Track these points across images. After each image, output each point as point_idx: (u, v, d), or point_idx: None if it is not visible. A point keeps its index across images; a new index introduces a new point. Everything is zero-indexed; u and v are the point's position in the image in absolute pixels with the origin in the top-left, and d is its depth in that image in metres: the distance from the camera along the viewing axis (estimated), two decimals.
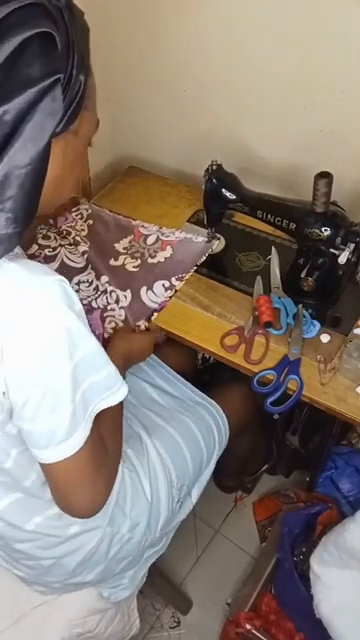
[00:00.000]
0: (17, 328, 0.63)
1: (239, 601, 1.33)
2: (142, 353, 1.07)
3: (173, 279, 1.20)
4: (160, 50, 1.32)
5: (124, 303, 1.17)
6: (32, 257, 1.25)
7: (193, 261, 1.23)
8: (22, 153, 0.58)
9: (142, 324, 1.14)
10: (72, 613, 0.99)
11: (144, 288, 1.19)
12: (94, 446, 0.73)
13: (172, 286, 1.19)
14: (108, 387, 0.73)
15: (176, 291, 1.19)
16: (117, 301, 1.18)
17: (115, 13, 1.30)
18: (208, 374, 1.48)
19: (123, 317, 1.15)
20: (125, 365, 1.00)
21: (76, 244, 1.30)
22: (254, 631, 1.24)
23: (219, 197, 1.15)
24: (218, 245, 1.27)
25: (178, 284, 1.19)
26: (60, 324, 0.65)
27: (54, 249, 1.28)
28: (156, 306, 1.16)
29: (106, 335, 1.13)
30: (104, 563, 0.94)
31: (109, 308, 1.17)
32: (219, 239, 1.27)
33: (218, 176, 1.14)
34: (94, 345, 0.70)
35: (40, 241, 1.30)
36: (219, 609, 1.43)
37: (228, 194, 1.14)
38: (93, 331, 1.09)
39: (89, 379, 0.70)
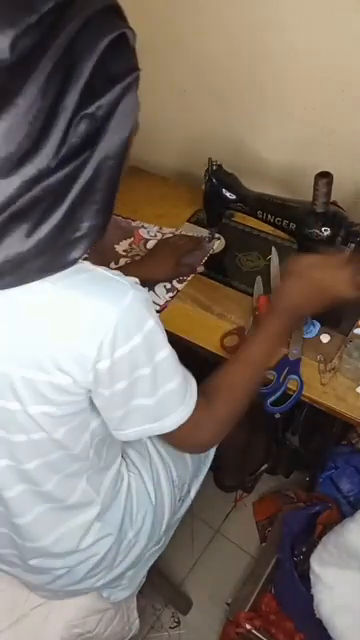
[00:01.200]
0: (106, 332, 0.64)
1: (239, 601, 1.33)
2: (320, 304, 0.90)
3: (174, 281, 1.20)
4: (160, 50, 1.32)
5: None
6: None
7: (194, 262, 1.23)
8: (111, 144, 0.60)
9: None
10: (72, 613, 0.99)
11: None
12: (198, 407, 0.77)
13: (173, 288, 1.19)
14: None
15: (177, 291, 1.19)
16: None
17: None
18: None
19: None
20: (292, 321, 0.92)
21: None
22: (254, 631, 1.24)
23: (219, 197, 1.15)
24: (218, 245, 1.27)
25: (180, 286, 1.20)
26: (141, 328, 0.67)
27: None
28: (157, 307, 1.16)
29: None
30: (111, 569, 0.95)
31: None
32: (219, 239, 1.27)
33: (218, 176, 1.14)
34: (169, 351, 0.72)
35: None
36: (219, 609, 1.43)
37: (228, 194, 1.14)
38: None
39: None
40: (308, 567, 1.12)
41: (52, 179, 0.56)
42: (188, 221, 1.35)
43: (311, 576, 1.11)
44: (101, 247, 1.26)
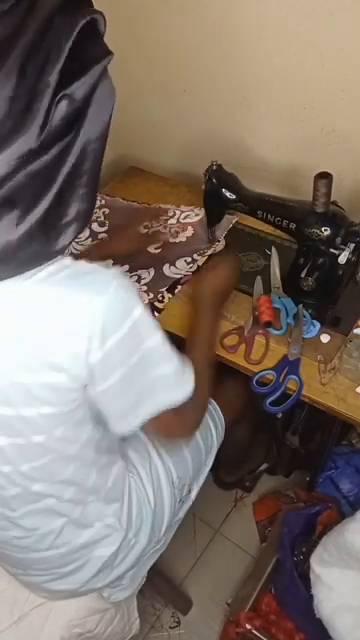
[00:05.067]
0: (97, 321, 0.64)
1: (239, 601, 1.33)
2: (229, 281, 1.10)
3: (195, 255, 1.24)
4: (160, 50, 1.32)
5: (147, 279, 1.21)
6: None
7: (215, 236, 1.27)
8: (93, 127, 0.62)
9: (164, 293, 1.18)
10: (72, 613, 0.99)
11: (167, 265, 1.23)
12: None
13: (194, 260, 1.23)
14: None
15: (198, 266, 1.22)
16: (139, 280, 1.21)
17: (115, 13, 1.30)
18: None
19: (145, 289, 1.19)
20: (217, 304, 1.06)
21: (92, 232, 1.34)
22: (254, 631, 1.24)
23: (219, 197, 1.15)
24: (218, 245, 1.27)
25: (200, 259, 1.23)
26: (134, 309, 0.67)
27: None
28: (178, 277, 1.20)
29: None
30: (111, 569, 0.95)
31: None
32: (219, 241, 1.28)
33: (218, 176, 1.14)
34: (160, 336, 0.72)
35: None
36: (219, 609, 1.43)
37: (228, 194, 1.14)
38: None
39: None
40: (308, 567, 1.12)
41: (38, 163, 0.57)
42: None
43: (311, 576, 1.11)
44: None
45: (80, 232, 0.65)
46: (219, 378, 1.24)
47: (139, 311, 0.68)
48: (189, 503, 1.09)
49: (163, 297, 1.17)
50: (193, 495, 1.10)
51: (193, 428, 0.91)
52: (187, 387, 0.77)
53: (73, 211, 0.62)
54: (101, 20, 0.62)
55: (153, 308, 1.15)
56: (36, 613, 0.98)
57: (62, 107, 0.58)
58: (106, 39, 0.66)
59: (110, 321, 0.65)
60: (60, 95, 0.57)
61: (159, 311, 1.15)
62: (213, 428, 1.11)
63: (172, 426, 0.83)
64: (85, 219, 0.64)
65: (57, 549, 0.88)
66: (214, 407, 1.14)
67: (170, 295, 1.17)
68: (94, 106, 0.61)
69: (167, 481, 1.00)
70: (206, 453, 1.10)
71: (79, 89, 0.59)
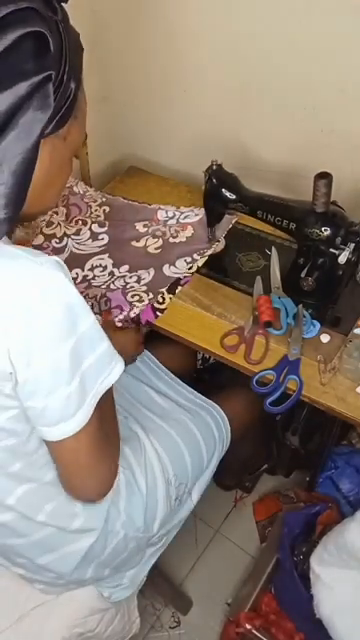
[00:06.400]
0: (22, 304, 0.64)
1: (239, 601, 1.33)
2: (126, 351, 1.03)
3: (195, 255, 1.24)
4: (160, 50, 1.32)
5: (147, 280, 1.21)
6: (39, 248, 1.27)
7: (215, 236, 1.27)
8: (14, 144, 0.61)
9: (165, 293, 1.17)
10: (72, 613, 0.99)
11: (166, 265, 1.23)
12: (97, 426, 0.75)
13: (194, 260, 1.24)
14: (108, 362, 0.75)
15: (198, 267, 1.22)
16: (138, 280, 1.21)
17: (116, 13, 1.30)
18: (208, 373, 1.48)
19: (145, 289, 1.19)
20: None
21: (92, 233, 1.34)
22: (254, 631, 1.24)
23: (219, 197, 1.15)
24: (218, 245, 1.27)
25: (200, 259, 1.23)
26: (62, 298, 0.66)
27: (60, 239, 1.32)
28: (178, 276, 1.20)
29: (135, 310, 1.15)
30: (99, 560, 0.94)
31: (129, 287, 1.20)
32: (219, 241, 1.28)
33: (218, 176, 1.14)
34: (92, 319, 0.71)
35: (45, 230, 1.33)
36: (219, 609, 1.43)
37: (228, 194, 1.14)
38: (119, 307, 1.14)
39: (90, 356, 0.71)
40: (308, 567, 1.12)
41: None
42: None
43: (311, 576, 1.11)
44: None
45: None
46: (227, 386, 1.25)
47: (72, 295, 0.68)
48: (190, 504, 1.09)
49: (164, 298, 1.17)
50: (194, 497, 1.09)
51: (104, 467, 0.81)
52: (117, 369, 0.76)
53: None
54: (49, 37, 0.60)
55: (153, 309, 1.15)
56: (36, 613, 0.98)
57: None
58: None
59: (32, 306, 0.65)
60: None
61: (161, 311, 1.15)
62: (215, 431, 1.11)
63: (75, 461, 0.76)
64: (1, 229, 0.64)
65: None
66: (217, 410, 1.14)
67: (171, 295, 1.17)
68: (19, 125, 0.60)
69: (162, 476, 1.00)
70: (208, 455, 1.09)
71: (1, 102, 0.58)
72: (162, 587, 1.37)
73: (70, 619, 0.98)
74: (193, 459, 1.06)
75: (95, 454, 0.77)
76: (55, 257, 0.68)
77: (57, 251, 1.28)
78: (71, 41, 0.66)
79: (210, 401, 1.15)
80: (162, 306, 1.16)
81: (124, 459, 0.98)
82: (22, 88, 0.59)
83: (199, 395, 1.16)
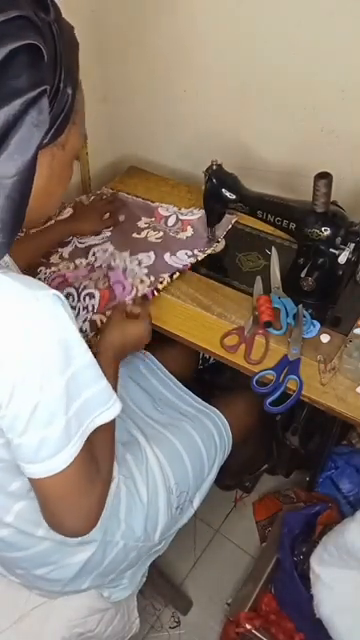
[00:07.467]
0: (11, 341, 0.62)
1: (239, 601, 1.33)
2: (138, 341, 1.00)
3: (195, 250, 1.25)
4: (160, 50, 1.32)
5: (147, 263, 1.22)
6: None
7: (215, 236, 1.28)
8: (8, 164, 0.58)
9: (165, 278, 1.18)
10: (72, 613, 0.99)
11: (167, 254, 1.24)
12: (85, 464, 0.72)
13: (195, 255, 1.24)
14: (102, 403, 0.73)
15: (198, 260, 1.23)
16: (139, 263, 1.22)
17: (115, 13, 1.30)
18: (208, 373, 1.48)
19: (146, 272, 1.20)
20: (117, 356, 0.95)
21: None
22: (254, 631, 1.24)
23: (219, 197, 1.15)
24: (218, 245, 1.27)
25: (200, 255, 1.24)
26: (54, 336, 0.64)
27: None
28: (179, 266, 1.21)
29: (135, 290, 1.16)
30: (99, 571, 0.94)
31: (129, 268, 1.22)
32: (219, 241, 1.28)
33: (218, 176, 1.14)
34: (88, 359, 0.69)
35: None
36: (219, 609, 1.43)
37: (228, 194, 1.14)
38: (118, 282, 1.16)
39: (83, 394, 0.69)
40: (308, 567, 1.12)
41: None
42: None
43: (311, 576, 1.11)
44: (89, 217, 1.35)
45: None
46: (228, 389, 1.24)
47: (67, 333, 0.66)
48: (191, 512, 1.08)
49: (163, 281, 1.18)
50: (195, 504, 1.09)
51: (94, 500, 0.77)
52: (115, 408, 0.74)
53: None
54: (42, 48, 0.57)
55: (154, 292, 1.16)
56: (36, 613, 0.98)
57: None
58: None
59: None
60: None
61: (158, 291, 1.17)
62: (217, 437, 1.11)
63: (58, 498, 0.72)
64: None
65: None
66: (219, 417, 1.14)
67: (169, 279, 1.18)
68: (13, 144, 0.57)
69: (163, 485, 1.00)
70: (209, 462, 1.09)
71: None
72: (162, 587, 1.37)
73: (70, 619, 0.98)
74: (195, 467, 1.05)
75: (80, 491, 0.72)
76: (54, 291, 0.65)
77: (62, 245, 1.29)
78: (65, 42, 0.62)
79: (212, 407, 1.15)
80: (161, 286, 1.17)
81: (125, 467, 0.97)
82: (16, 106, 0.56)
83: (201, 401, 1.16)
